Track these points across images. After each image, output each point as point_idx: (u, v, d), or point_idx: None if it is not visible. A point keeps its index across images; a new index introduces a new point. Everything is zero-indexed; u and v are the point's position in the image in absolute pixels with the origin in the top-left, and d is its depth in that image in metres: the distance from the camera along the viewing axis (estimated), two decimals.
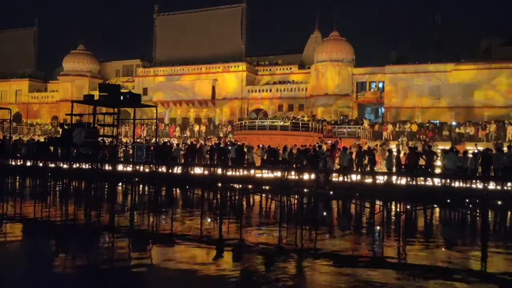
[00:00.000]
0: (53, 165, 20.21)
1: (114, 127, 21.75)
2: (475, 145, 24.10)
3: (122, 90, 24.17)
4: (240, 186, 17.97)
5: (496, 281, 10.24)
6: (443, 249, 13.13)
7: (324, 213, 17.37)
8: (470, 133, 29.87)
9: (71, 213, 17.56)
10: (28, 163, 21.33)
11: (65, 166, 19.70)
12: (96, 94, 22.11)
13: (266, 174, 19.03)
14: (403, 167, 18.46)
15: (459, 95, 35.35)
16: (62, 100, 48.53)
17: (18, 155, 22.85)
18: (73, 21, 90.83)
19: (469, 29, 42.00)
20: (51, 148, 21.54)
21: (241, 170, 19.51)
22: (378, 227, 14.80)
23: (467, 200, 14.56)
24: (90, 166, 19.15)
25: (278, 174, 17.89)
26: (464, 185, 15.62)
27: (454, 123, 32.29)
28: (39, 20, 54.60)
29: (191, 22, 46.82)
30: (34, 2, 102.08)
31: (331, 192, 16.50)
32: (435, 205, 17.06)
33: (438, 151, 20.62)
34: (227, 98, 44.03)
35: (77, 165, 19.65)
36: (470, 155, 17.69)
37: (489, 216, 15.94)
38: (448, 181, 16.03)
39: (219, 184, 17.43)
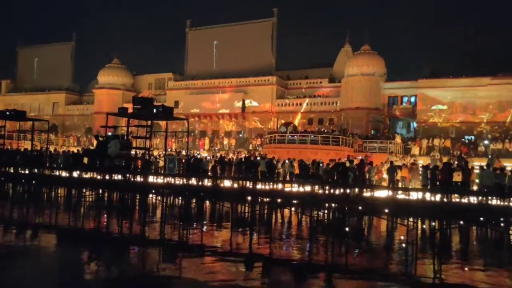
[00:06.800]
0: (88, 176, 20.70)
1: (147, 139, 22.13)
2: None
3: (155, 103, 24.64)
4: (270, 199, 17.89)
5: None
6: (479, 268, 12.67)
7: (347, 229, 17.01)
8: (510, 149, 28.81)
9: (103, 223, 17.92)
10: (64, 174, 21.91)
11: (99, 177, 20.11)
12: (129, 106, 22.58)
13: (296, 188, 18.89)
14: (438, 183, 17.92)
15: (495, 110, 34.34)
16: (96, 113, 49.85)
17: (55, 166, 23.48)
18: (108, 35, 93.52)
19: (505, 41, 40.60)
20: (86, 159, 22.05)
21: (271, 183, 19.45)
22: (411, 245, 14.42)
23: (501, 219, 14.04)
24: (122, 178, 19.49)
25: (308, 188, 17.72)
26: (502, 203, 15.06)
27: (487, 140, 31.12)
28: (76, 34, 56.47)
29: (222, 36, 47.50)
30: (72, 17, 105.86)
31: (360, 208, 16.20)
32: (471, 223, 16.50)
33: (475, 167, 19.96)
34: (257, 111, 44.28)
35: (110, 176, 20.03)
36: (509, 172, 17.08)
37: None
38: (484, 198, 15.52)
39: (249, 197, 17.40)
